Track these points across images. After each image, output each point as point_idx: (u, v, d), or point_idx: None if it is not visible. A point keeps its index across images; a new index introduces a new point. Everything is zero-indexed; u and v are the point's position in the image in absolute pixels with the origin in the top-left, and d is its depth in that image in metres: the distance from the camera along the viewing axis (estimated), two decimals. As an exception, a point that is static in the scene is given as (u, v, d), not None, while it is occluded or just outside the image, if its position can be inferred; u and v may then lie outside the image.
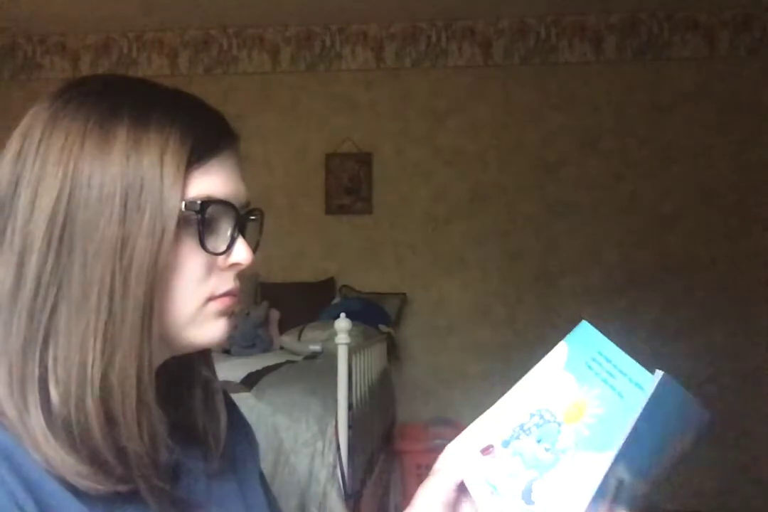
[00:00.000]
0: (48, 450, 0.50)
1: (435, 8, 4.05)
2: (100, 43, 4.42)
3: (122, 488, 0.52)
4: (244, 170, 0.62)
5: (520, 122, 4.17)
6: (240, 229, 0.60)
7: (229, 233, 0.59)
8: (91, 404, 0.51)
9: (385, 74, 4.28)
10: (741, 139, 4.02)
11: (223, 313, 0.60)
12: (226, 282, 0.60)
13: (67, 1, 3.90)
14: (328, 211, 4.28)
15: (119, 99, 0.56)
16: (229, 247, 0.59)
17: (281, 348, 3.49)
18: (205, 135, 0.57)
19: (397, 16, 4.18)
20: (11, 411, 0.51)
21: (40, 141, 0.54)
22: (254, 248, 0.62)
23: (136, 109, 0.55)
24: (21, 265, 0.53)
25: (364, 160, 4.25)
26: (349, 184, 4.26)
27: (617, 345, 0.52)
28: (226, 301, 0.60)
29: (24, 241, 0.53)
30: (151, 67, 4.36)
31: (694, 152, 4.04)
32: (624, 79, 4.12)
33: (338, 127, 4.26)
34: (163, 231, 0.53)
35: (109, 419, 0.52)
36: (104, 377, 0.52)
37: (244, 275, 0.61)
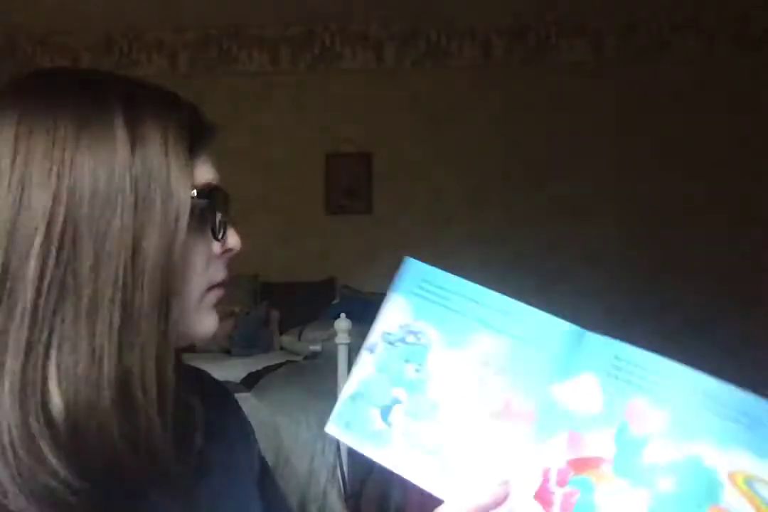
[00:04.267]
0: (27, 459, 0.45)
1: (435, 8, 4.05)
2: (100, 43, 4.42)
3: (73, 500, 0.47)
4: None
5: (520, 122, 4.16)
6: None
7: (219, 219, 0.58)
8: (104, 413, 0.47)
9: (385, 74, 4.28)
10: (741, 138, 4.01)
11: (216, 305, 0.59)
12: (220, 270, 0.59)
13: (67, 1, 3.90)
14: (328, 211, 4.28)
15: (101, 91, 0.53)
16: (224, 233, 0.58)
17: (281, 348, 3.49)
18: (198, 124, 0.56)
19: (397, 16, 4.18)
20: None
21: (17, 138, 0.49)
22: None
23: (122, 99, 0.52)
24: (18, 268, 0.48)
25: (364, 160, 4.25)
26: (349, 184, 4.26)
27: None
28: (219, 293, 0.59)
29: (18, 244, 0.48)
30: (151, 67, 4.36)
31: (694, 152, 4.04)
32: (624, 79, 4.12)
33: (338, 127, 4.26)
34: (176, 221, 0.51)
35: (130, 423, 0.49)
36: (121, 384, 0.48)
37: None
